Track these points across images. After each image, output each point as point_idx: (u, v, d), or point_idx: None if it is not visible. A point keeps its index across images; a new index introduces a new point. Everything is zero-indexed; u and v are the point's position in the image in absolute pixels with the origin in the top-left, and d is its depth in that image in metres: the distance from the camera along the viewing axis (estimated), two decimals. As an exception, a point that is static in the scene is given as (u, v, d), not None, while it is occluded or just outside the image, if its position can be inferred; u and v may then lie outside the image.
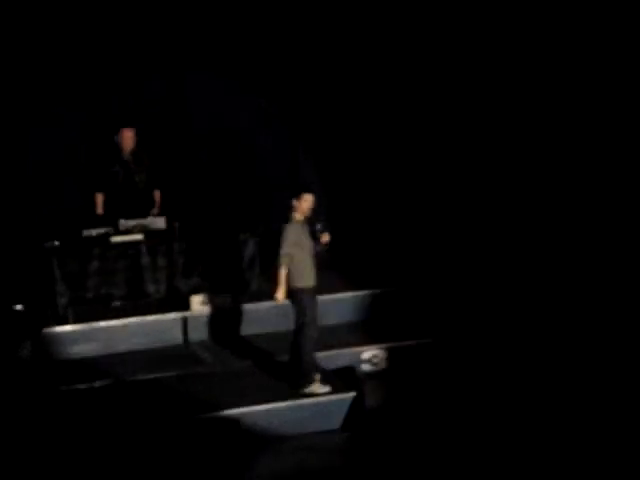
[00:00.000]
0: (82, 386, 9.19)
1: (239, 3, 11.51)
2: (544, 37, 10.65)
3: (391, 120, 11.89)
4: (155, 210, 10.68)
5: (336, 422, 8.95)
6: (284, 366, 9.58)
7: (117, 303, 10.34)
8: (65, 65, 10.92)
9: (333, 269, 11.72)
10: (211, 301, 10.41)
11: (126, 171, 10.61)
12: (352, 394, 9.04)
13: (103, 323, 10.11)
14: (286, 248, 9.15)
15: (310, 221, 9.47)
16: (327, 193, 12.10)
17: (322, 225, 9.58)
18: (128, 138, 10.57)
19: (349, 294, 10.95)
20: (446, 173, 11.64)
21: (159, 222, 10.36)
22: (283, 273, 9.16)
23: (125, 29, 11.15)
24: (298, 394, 9.07)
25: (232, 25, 11.55)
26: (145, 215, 10.42)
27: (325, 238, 9.50)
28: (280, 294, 9.20)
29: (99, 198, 10.56)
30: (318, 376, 9.17)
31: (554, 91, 10.55)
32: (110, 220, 10.32)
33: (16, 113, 10.77)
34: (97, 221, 10.34)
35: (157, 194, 10.82)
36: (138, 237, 10.18)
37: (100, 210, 10.54)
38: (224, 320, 10.43)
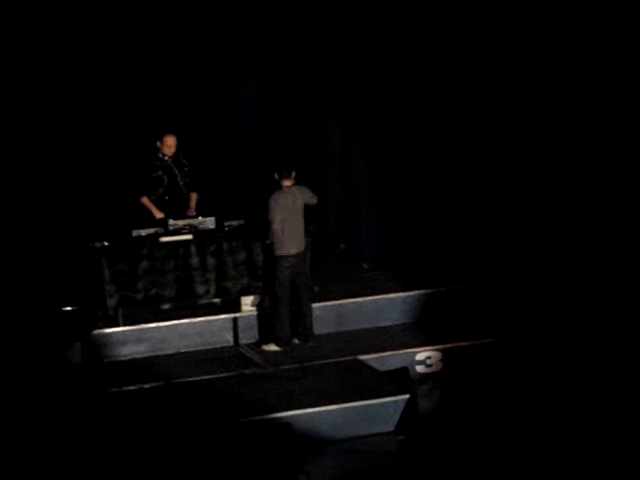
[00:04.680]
0: (132, 388, 9.12)
1: (289, 4, 11.37)
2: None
3: (452, 113, 11.72)
4: (191, 212, 10.59)
5: (390, 425, 8.74)
6: (337, 368, 9.47)
7: (167, 305, 10.28)
8: (107, 66, 10.85)
9: (386, 269, 11.61)
10: (261, 302, 10.29)
11: (169, 176, 10.54)
12: (406, 396, 8.83)
13: (153, 324, 10.07)
14: None
15: None
16: (381, 192, 11.97)
17: None
18: (171, 144, 10.50)
19: (402, 294, 10.80)
20: (498, 168, 11.49)
21: (209, 222, 10.26)
22: None
23: (167, 31, 11.05)
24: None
25: (280, 25, 11.42)
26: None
27: None
28: None
29: (147, 201, 10.48)
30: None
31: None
32: (158, 222, 10.31)
33: (61, 118, 10.73)
34: (146, 222, 10.27)
35: (194, 196, 10.71)
36: (187, 237, 10.09)
37: (159, 214, 10.44)
38: (274, 321, 10.31)
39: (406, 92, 11.78)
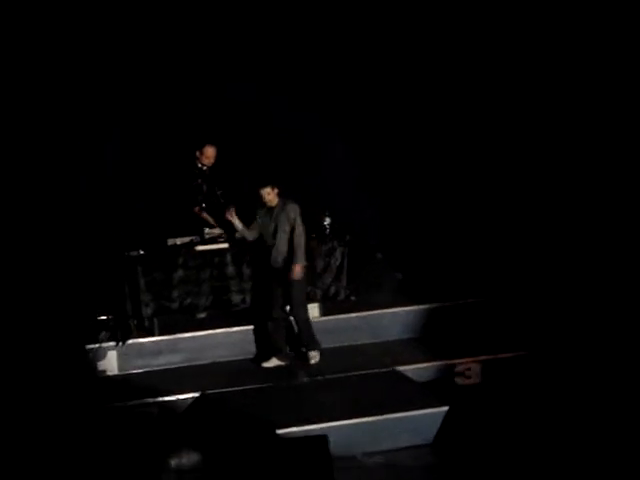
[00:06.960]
0: (167, 398, 9.07)
1: (315, 22, 11.40)
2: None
3: (465, 125, 11.72)
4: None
5: (428, 437, 8.62)
6: (374, 379, 9.37)
7: (202, 315, 10.22)
8: (145, 75, 10.95)
9: (424, 280, 11.48)
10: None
11: (208, 185, 10.51)
12: (445, 408, 8.70)
13: (188, 334, 10.01)
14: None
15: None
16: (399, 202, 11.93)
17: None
18: (211, 155, 10.46)
19: (441, 305, 10.65)
20: (508, 180, 11.46)
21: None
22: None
23: (205, 43, 11.14)
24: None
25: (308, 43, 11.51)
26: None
27: None
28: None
29: (199, 210, 10.43)
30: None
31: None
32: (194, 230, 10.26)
33: (95, 122, 10.81)
34: (181, 230, 10.22)
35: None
36: (223, 246, 10.02)
37: (213, 222, 10.39)
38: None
39: (425, 105, 11.79)
